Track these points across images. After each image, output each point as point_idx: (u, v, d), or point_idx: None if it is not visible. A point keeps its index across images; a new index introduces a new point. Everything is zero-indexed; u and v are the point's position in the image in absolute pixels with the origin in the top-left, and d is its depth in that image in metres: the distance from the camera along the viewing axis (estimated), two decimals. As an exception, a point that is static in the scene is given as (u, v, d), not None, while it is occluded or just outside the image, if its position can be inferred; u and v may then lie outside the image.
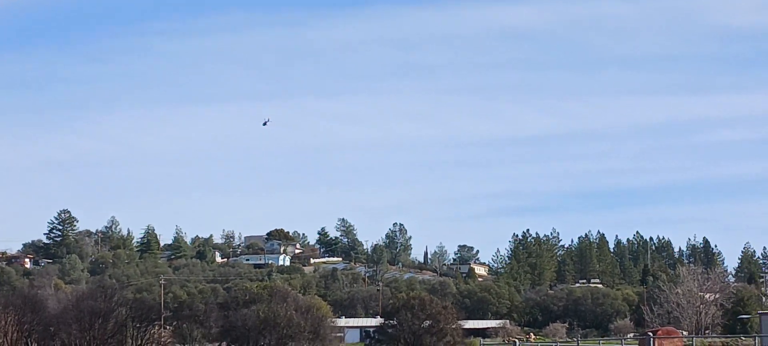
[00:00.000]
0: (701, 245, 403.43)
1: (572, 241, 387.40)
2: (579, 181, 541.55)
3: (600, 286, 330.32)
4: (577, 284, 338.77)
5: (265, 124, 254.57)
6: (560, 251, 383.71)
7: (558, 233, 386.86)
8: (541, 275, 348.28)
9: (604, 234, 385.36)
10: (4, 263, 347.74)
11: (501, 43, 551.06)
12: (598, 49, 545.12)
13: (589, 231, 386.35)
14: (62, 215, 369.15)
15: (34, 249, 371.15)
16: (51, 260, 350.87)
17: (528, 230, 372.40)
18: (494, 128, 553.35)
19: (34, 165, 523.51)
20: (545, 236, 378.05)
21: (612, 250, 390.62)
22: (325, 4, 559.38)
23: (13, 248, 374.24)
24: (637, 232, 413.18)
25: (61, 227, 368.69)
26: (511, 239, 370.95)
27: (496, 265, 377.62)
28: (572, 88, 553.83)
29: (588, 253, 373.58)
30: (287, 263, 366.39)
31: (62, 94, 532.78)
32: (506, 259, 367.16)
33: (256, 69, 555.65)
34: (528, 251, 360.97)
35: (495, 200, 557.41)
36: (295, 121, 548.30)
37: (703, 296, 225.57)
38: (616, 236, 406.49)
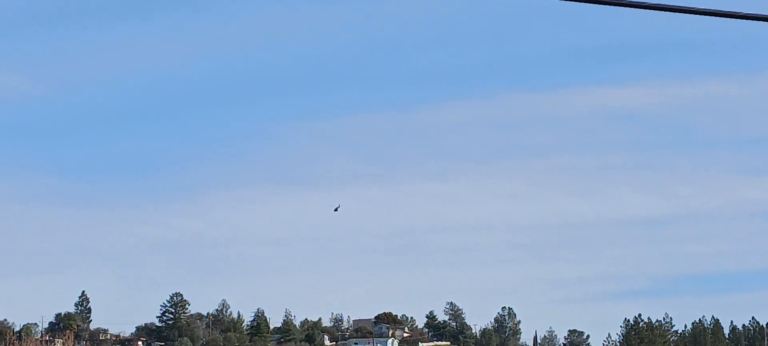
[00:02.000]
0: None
1: (686, 326, 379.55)
2: (690, 263, 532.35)
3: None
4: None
5: (336, 210, 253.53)
6: (673, 337, 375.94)
7: (671, 318, 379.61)
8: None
9: (718, 319, 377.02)
10: (118, 345, 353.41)
11: (607, 124, 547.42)
12: (705, 129, 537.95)
13: (703, 316, 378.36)
14: (174, 298, 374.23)
15: (146, 332, 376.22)
16: (163, 343, 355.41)
17: (640, 315, 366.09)
18: (602, 210, 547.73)
19: (146, 247, 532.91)
20: (658, 320, 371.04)
21: (727, 335, 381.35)
22: (431, 87, 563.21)
23: (127, 331, 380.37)
24: (753, 317, 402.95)
25: (173, 310, 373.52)
26: (622, 324, 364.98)
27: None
28: (680, 168, 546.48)
29: (702, 339, 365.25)
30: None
31: (173, 176, 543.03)
32: (618, 344, 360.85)
33: (361, 151, 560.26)
34: (640, 336, 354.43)
35: (604, 283, 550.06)
36: (401, 203, 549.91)
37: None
38: (731, 321, 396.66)
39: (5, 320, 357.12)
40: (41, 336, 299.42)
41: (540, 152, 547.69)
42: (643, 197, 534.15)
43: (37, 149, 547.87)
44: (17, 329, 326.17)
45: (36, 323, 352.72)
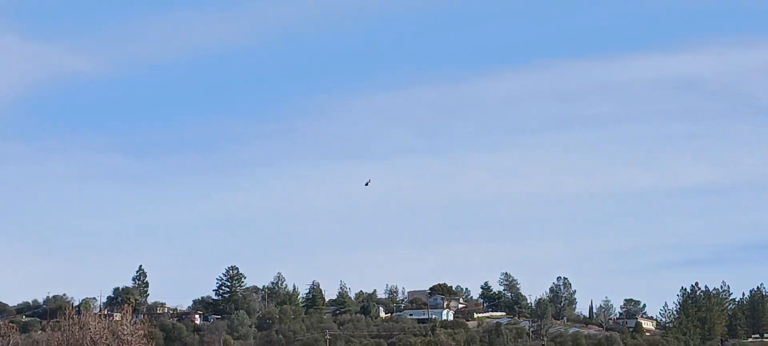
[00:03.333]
0: None
1: (743, 294, 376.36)
2: (749, 232, 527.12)
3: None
4: (750, 339, 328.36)
5: (367, 184, 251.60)
6: (731, 305, 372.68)
7: (728, 286, 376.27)
8: (712, 330, 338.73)
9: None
10: (176, 319, 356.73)
11: (667, 92, 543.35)
12: (766, 97, 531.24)
13: (761, 284, 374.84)
14: (230, 271, 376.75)
15: (203, 305, 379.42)
16: (220, 316, 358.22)
17: (697, 284, 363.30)
18: (660, 179, 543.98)
19: (203, 223, 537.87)
20: (715, 289, 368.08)
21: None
22: (486, 59, 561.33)
23: (184, 304, 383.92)
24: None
25: (229, 284, 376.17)
26: (679, 293, 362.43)
27: (664, 319, 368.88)
28: (741, 137, 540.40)
29: (761, 306, 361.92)
30: (450, 317, 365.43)
31: (231, 153, 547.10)
32: (675, 313, 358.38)
33: (418, 125, 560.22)
34: (697, 305, 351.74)
35: (662, 253, 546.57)
36: (457, 176, 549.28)
37: None
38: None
39: (65, 294, 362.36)
40: (100, 310, 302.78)
41: (598, 122, 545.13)
42: (703, 165, 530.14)
43: (98, 128, 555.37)
44: (76, 303, 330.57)
45: (95, 298, 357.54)
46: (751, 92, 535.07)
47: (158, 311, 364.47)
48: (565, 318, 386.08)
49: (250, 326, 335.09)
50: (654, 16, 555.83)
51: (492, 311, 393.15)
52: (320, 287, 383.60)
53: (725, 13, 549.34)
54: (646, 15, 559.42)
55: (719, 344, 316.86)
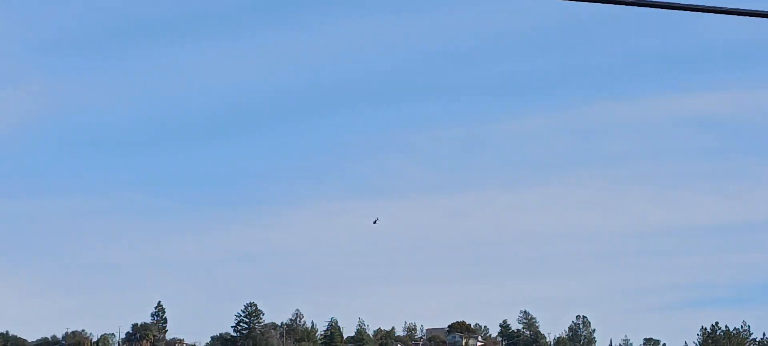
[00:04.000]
0: None
1: (764, 334, 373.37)
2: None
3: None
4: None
5: (375, 222, 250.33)
6: (752, 345, 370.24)
7: (749, 325, 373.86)
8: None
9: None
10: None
11: (688, 130, 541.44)
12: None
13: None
14: (249, 307, 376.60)
15: (221, 342, 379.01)
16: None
17: (717, 323, 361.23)
18: (679, 217, 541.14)
19: (222, 258, 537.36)
20: (735, 328, 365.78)
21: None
22: (507, 96, 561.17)
23: (202, 340, 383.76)
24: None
25: (247, 320, 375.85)
26: (699, 332, 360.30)
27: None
28: (760, 175, 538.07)
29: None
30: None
31: (250, 188, 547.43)
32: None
33: (437, 161, 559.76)
34: (717, 345, 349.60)
35: (682, 292, 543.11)
36: (476, 212, 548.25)
37: None
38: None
39: (83, 330, 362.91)
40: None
41: (619, 160, 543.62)
42: (723, 204, 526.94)
43: (117, 163, 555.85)
44: (95, 339, 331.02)
45: (113, 334, 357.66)
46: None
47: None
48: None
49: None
50: (676, 56, 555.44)
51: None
52: (338, 324, 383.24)
53: (745, 54, 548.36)
54: (668, 55, 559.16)
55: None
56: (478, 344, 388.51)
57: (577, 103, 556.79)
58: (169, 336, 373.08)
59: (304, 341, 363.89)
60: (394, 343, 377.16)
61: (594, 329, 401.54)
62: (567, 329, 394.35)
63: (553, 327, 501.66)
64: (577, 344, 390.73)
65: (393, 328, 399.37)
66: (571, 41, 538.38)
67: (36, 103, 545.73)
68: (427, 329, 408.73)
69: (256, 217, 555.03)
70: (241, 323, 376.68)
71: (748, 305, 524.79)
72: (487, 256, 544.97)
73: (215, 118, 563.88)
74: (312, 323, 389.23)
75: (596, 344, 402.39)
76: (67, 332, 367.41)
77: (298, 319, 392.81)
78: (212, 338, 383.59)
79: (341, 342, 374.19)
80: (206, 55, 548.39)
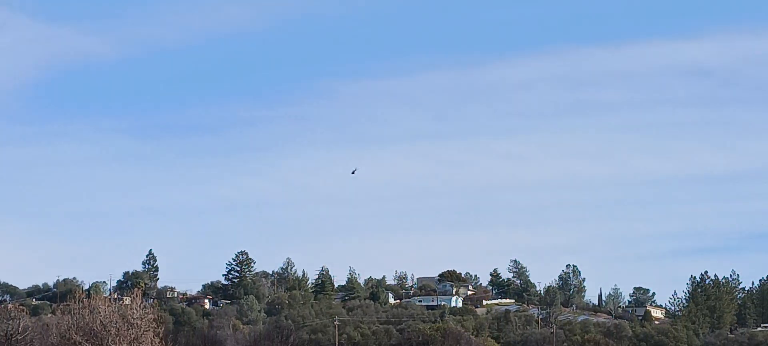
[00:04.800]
0: None
1: (753, 283, 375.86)
2: (759, 220, 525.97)
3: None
4: (759, 328, 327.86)
5: (353, 172, 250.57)
6: (740, 294, 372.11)
7: (738, 275, 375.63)
8: (721, 319, 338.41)
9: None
10: (185, 303, 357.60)
11: (679, 80, 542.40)
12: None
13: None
14: (240, 256, 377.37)
15: (213, 290, 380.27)
16: (229, 301, 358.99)
17: (706, 272, 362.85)
18: (670, 167, 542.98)
19: (213, 207, 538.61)
20: (724, 278, 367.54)
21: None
22: (499, 45, 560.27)
23: (193, 289, 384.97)
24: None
25: (238, 269, 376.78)
26: (688, 281, 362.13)
27: (673, 308, 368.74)
28: (752, 125, 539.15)
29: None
30: (459, 304, 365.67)
31: (241, 137, 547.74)
32: (684, 302, 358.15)
33: (429, 110, 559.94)
34: (706, 294, 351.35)
35: (671, 241, 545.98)
36: (467, 162, 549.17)
37: None
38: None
39: (75, 278, 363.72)
40: (110, 294, 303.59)
41: (609, 109, 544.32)
42: (713, 153, 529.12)
43: (108, 111, 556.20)
44: (86, 287, 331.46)
45: (105, 282, 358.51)
46: (763, 80, 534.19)
47: (168, 296, 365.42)
48: (574, 306, 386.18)
49: (259, 312, 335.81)
50: (666, 3, 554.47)
51: (501, 299, 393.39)
52: (329, 272, 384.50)
53: (737, 1, 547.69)
54: (658, 2, 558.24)
55: (728, 332, 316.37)
56: (469, 292, 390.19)
57: (567, 52, 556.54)
58: (160, 285, 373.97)
59: (296, 289, 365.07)
60: (385, 291, 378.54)
61: (584, 279, 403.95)
62: (557, 278, 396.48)
63: (542, 276, 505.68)
64: (567, 292, 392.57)
65: (384, 277, 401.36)
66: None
67: (25, 48, 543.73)
68: (417, 278, 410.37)
69: (246, 165, 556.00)
70: (232, 272, 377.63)
71: (737, 255, 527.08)
72: (477, 205, 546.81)
73: (206, 65, 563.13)
74: (303, 272, 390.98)
75: (586, 293, 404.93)
76: (58, 280, 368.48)
77: (289, 268, 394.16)
78: (203, 286, 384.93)
79: (332, 291, 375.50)
80: (198, 1, 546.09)
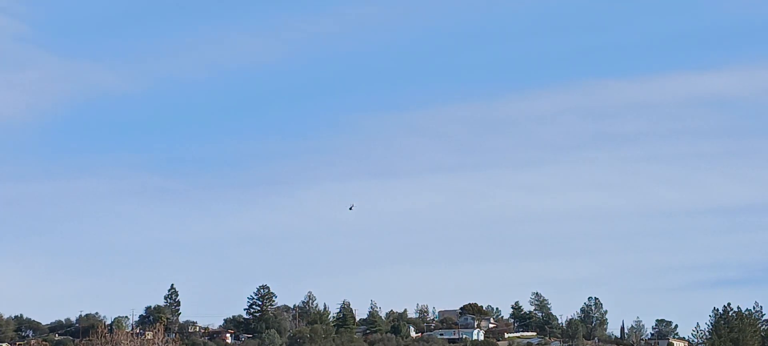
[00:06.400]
0: None
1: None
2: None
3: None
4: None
5: (350, 208, 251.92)
6: (764, 326, 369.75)
7: (761, 306, 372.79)
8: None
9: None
10: (207, 338, 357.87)
11: (700, 111, 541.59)
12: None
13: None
14: (261, 290, 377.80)
15: (234, 324, 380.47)
16: (251, 335, 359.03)
17: (729, 304, 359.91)
18: (692, 198, 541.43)
19: (234, 241, 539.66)
20: (747, 309, 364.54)
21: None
22: (520, 78, 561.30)
23: (215, 323, 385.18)
24: None
25: (260, 303, 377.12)
26: (711, 313, 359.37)
27: (695, 340, 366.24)
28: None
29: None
30: (481, 337, 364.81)
31: (262, 170, 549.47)
32: (707, 334, 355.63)
33: (448, 142, 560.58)
34: (729, 326, 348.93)
35: (694, 272, 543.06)
36: (488, 194, 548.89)
37: None
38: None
39: (97, 313, 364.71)
40: (132, 329, 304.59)
41: (630, 141, 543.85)
42: (735, 184, 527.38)
43: (130, 145, 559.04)
44: (109, 322, 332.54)
45: (127, 316, 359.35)
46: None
47: (190, 330, 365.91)
48: (596, 339, 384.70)
49: (280, 345, 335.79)
50: (687, 34, 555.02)
51: (523, 331, 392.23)
52: (350, 306, 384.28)
53: (757, 32, 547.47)
54: (679, 34, 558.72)
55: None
56: (490, 325, 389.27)
57: (588, 84, 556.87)
58: (182, 319, 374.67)
59: (317, 323, 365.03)
60: (407, 325, 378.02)
61: (606, 311, 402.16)
62: (579, 311, 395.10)
63: (564, 309, 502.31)
64: (589, 325, 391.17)
65: (405, 310, 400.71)
66: (582, 21, 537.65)
67: (49, 84, 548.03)
68: (439, 311, 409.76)
69: (268, 198, 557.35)
70: (253, 306, 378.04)
71: (760, 286, 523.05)
72: (498, 237, 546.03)
73: (228, 99, 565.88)
74: (324, 305, 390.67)
75: (608, 325, 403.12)
76: (80, 315, 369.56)
77: (310, 301, 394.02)
78: (225, 320, 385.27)
79: (354, 324, 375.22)
80: (220, 35, 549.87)
